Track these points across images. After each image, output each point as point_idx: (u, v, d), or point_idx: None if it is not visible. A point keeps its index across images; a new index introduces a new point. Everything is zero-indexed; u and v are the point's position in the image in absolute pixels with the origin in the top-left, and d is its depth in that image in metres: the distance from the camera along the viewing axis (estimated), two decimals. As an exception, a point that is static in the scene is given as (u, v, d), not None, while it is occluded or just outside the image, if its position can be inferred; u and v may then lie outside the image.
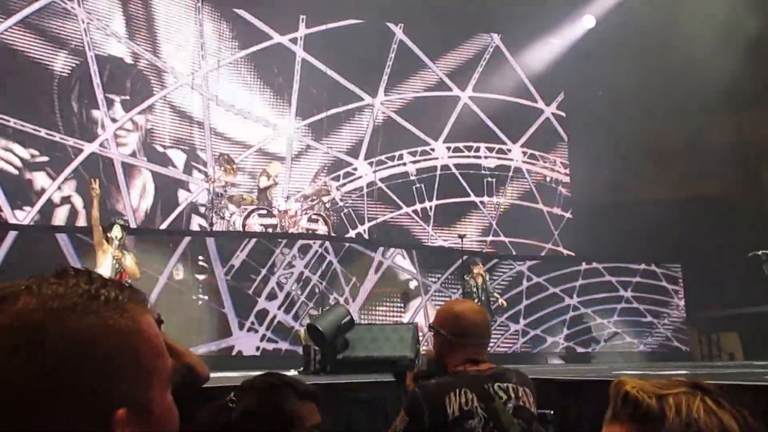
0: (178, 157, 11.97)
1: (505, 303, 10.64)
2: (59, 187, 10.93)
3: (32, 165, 10.81)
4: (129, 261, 7.48)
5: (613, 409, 1.05)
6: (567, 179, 14.48)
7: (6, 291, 0.65)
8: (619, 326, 12.60)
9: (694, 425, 0.96)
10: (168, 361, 0.69)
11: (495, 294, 10.44)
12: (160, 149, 11.88)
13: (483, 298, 10.16)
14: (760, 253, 9.30)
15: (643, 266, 12.92)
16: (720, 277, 12.13)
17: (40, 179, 10.82)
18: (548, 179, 14.40)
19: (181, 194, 11.89)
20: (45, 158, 10.91)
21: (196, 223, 11.69)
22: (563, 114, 14.57)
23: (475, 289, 10.18)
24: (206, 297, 9.97)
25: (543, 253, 13.70)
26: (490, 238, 13.49)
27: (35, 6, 10.94)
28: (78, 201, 11.03)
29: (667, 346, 12.69)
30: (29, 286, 0.65)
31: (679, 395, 1.00)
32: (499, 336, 11.92)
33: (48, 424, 0.59)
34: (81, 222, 10.65)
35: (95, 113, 11.35)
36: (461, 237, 10.55)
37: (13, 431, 0.58)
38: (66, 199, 10.98)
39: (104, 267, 7.38)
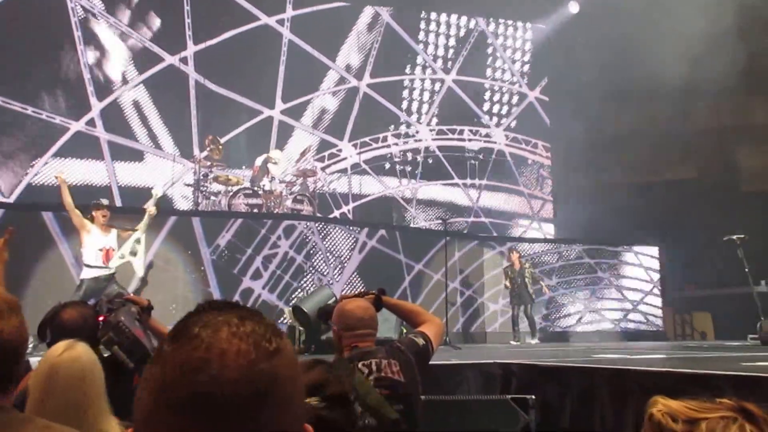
0: (164, 137, 12.01)
1: (547, 290, 11.54)
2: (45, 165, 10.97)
3: (17, 143, 10.85)
4: (116, 234, 8.05)
5: (643, 428, 1.02)
6: (548, 162, 14.69)
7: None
8: (595, 306, 12.93)
9: None
10: None
11: (536, 279, 11.14)
12: (147, 129, 11.91)
13: (519, 282, 10.67)
14: (734, 237, 9.61)
15: (621, 248, 13.23)
16: (696, 259, 12.45)
17: (25, 157, 10.85)
18: (530, 162, 14.61)
19: (167, 174, 11.94)
20: (31, 136, 10.94)
21: (182, 202, 11.77)
22: (546, 98, 14.74)
23: (511, 275, 10.81)
24: (192, 276, 10.15)
25: (523, 235, 13.97)
26: (472, 219, 13.71)
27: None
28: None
29: (642, 326, 13.05)
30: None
31: (715, 420, 0.93)
32: (478, 317, 12.23)
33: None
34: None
35: (81, 92, 11.36)
36: (444, 220, 10.76)
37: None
38: (51, 177, 11.02)
39: (89, 248, 7.83)
